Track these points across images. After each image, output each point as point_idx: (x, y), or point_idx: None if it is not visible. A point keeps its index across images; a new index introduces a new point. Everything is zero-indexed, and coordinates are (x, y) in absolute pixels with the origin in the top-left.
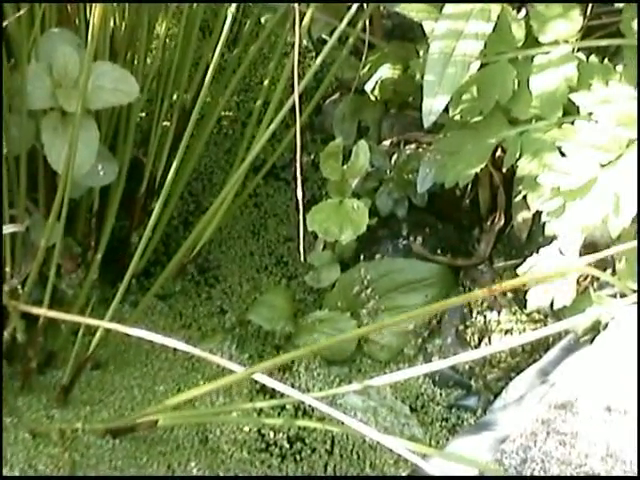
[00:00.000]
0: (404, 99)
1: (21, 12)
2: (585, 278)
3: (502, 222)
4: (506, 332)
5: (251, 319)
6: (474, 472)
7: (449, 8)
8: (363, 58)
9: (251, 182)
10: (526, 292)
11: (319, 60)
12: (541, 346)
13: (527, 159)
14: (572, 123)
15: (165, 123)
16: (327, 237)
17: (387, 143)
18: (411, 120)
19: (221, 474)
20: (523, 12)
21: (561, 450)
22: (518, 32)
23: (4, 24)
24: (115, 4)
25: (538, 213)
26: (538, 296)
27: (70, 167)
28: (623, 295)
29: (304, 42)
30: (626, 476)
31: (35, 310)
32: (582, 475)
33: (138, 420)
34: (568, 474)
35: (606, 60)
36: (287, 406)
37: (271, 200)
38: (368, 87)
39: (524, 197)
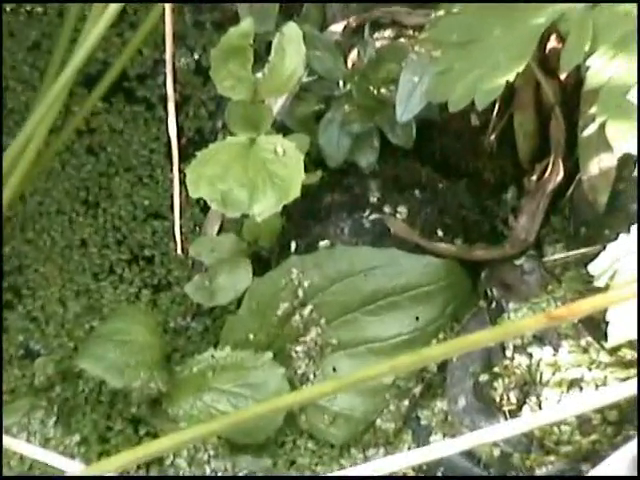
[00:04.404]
0: None
1: None
2: None
3: (559, 177)
4: (570, 386)
5: (84, 367)
6: None
7: None
8: None
9: (84, 102)
10: (604, 313)
11: None
12: (635, 412)
13: (607, 54)
14: None
15: None
16: (226, 210)
17: (338, 28)
18: None
19: None
20: None
21: None
22: None
23: None
24: None
25: (626, 159)
26: (626, 321)
27: None
28: None
29: None
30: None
31: None
32: None
33: None
34: None
35: None
36: None
37: (119, 138)
38: None
39: (601, 128)
